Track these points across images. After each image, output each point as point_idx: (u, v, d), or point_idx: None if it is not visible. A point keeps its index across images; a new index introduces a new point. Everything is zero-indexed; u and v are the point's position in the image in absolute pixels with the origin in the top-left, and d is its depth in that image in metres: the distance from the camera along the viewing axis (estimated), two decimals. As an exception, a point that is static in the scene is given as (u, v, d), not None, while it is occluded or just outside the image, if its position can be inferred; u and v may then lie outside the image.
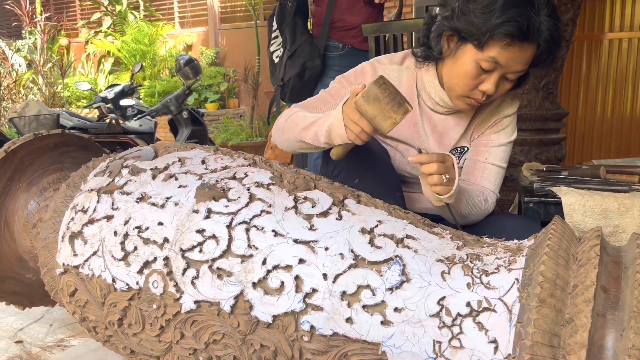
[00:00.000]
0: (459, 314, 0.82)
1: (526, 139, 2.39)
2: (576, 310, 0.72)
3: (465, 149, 1.29)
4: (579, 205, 1.25)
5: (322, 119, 1.13)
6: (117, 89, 5.03)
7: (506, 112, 1.27)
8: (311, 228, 0.93)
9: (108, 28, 7.73)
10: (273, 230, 0.93)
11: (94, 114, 5.83)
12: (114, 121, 4.48)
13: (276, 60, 2.30)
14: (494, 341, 0.78)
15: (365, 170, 1.20)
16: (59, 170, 1.37)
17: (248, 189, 1.00)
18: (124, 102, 4.95)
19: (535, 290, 0.75)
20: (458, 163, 1.28)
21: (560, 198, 1.31)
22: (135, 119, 4.67)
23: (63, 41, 8.13)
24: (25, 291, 1.38)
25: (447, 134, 1.27)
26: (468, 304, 0.82)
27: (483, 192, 1.26)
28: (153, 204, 1.01)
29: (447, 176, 1.07)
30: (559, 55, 2.10)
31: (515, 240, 0.92)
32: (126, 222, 1.00)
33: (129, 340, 1.03)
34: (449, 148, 1.28)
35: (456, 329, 0.81)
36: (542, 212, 1.36)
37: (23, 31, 7.91)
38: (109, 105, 4.96)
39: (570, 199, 1.28)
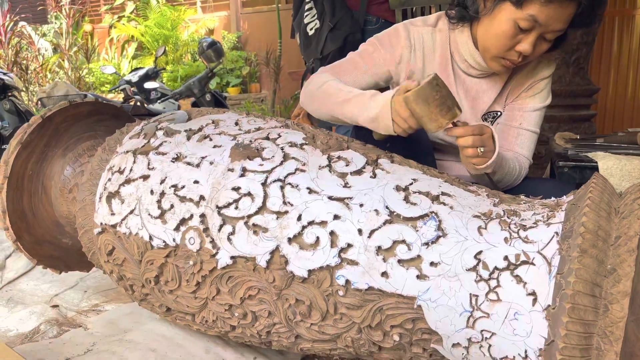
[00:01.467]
0: (496, 268, 0.81)
1: (555, 115, 2.35)
2: (619, 260, 0.71)
3: (499, 113, 1.27)
4: (616, 169, 1.23)
5: (358, 100, 1.12)
6: (141, 72, 5.09)
7: (542, 74, 1.25)
8: (345, 185, 0.94)
9: (131, 13, 7.79)
10: (308, 188, 0.94)
11: (119, 98, 5.90)
12: (138, 103, 4.54)
13: (311, 32, 2.25)
14: (533, 293, 0.77)
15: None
16: (93, 137, 1.40)
17: (282, 149, 1.00)
18: (148, 85, 5.00)
19: (576, 241, 0.74)
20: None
21: (596, 163, 1.28)
22: (159, 101, 4.72)
23: (87, 27, 8.23)
24: (61, 255, 1.41)
25: (480, 97, 1.25)
26: (506, 258, 0.81)
27: (517, 158, 1.24)
28: (188, 164, 1.02)
29: (483, 149, 1.06)
30: (598, 15, 2.05)
31: (553, 198, 0.91)
32: (162, 181, 1.02)
33: (165, 297, 1.05)
34: (482, 112, 1.26)
35: (493, 283, 0.81)
36: (577, 176, 1.34)
37: (49, 15, 8.02)
38: (133, 89, 5.02)
39: (608, 162, 1.26)
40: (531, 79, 1.26)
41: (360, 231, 0.89)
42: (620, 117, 3.35)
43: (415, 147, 1.21)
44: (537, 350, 0.76)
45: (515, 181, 1.23)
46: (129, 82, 5.00)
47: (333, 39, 2.14)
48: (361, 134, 1.21)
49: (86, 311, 1.49)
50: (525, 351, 0.78)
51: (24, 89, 5.93)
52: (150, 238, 1.01)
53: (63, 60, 7.05)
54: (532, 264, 0.79)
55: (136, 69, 5.65)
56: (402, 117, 1.03)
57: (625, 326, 0.68)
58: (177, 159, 1.04)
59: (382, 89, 1.20)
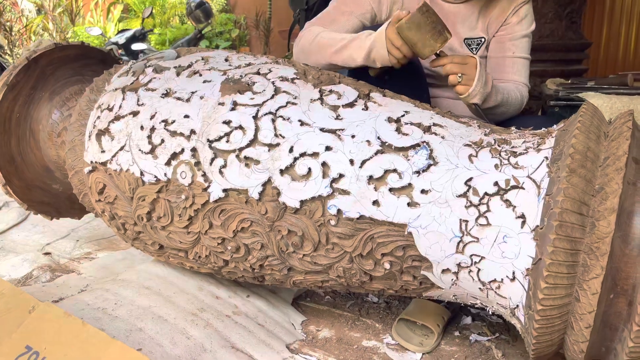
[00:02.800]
0: (486, 193, 0.82)
1: (547, 70, 2.35)
2: (607, 179, 0.72)
3: (483, 39, 1.28)
4: (606, 107, 1.24)
5: (354, 43, 1.16)
6: (129, 34, 4.98)
7: None
8: (337, 118, 0.93)
9: (116, -26, 7.57)
10: (299, 120, 0.93)
11: (106, 61, 5.77)
12: (126, 64, 4.44)
13: None
14: (522, 216, 0.79)
15: (394, 70, 1.19)
16: (81, 82, 1.37)
17: (273, 83, 0.99)
18: (135, 46, 4.90)
19: (565, 162, 0.75)
20: (475, 54, 1.27)
21: (585, 101, 1.29)
22: (147, 63, 4.61)
23: (71, -11, 7.99)
24: (52, 201, 1.41)
25: (458, 24, 1.27)
26: (496, 184, 0.82)
27: (517, 86, 1.27)
28: (178, 99, 1.01)
29: (462, 75, 1.10)
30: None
31: (544, 128, 0.91)
32: (152, 117, 1.01)
33: (157, 234, 1.06)
34: (463, 38, 1.27)
35: (483, 208, 0.82)
36: (568, 115, 1.34)
37: (31, -24, 7.77)
38: (120, 51, 4.91)
39: (598, 101, 1.26)
40: (512, 4, 1.27)
41: (352, 161, 0.89)
42: (612, 72, 3.35)
43: (410, 84, 1.21)
44: (525, 270, 0.78)
45: (518, 111, 1.26)
46: (115, 44, 4.89)
47: None
48: (356, 75, 1.21)
49: (78, 258, 1.50)
50: (513, 272, 0.80)
51: (8, 51, 5.79)
52: (142, 174, 1.00)
53: (47, 22, 6.87)
54: (522, 188, 0.80)
55: (123, 30, 5.52)
56: (396, 45, 1.07)
57: (611, 242, 0.69)
58: (167, 94, 1.03)
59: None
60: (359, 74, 1.20)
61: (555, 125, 0.89)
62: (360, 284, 0.97)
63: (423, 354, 1.04)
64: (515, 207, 0.80)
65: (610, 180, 0.71)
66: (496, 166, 0.84)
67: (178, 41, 4.99)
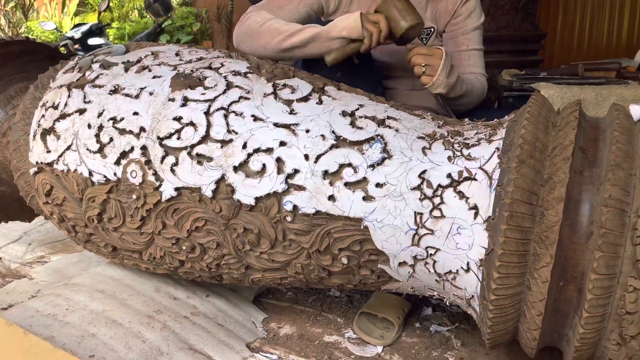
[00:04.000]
0: (440, 185, 0.82)
1: (504, 60, 2.38)
2: (554, 169, 0.73)
3: (432, 29, 1.29)
4: (557, 97, 1.26)
5: (317, 29, 1.16)
6: (84, 28, 4.82)
7: None
8: (291, 112, 0.92)
9: (70, -34, 7.31)
10: (252, 115, 0.91)
11: (62, 56, 5.58)
12: (82, 60, 4.29)
13: None
14: (474, 207, 0.79)
15: (347, 64, 1.18)
16: (26, 79, 1.31)
17: (225, 77, 0.97)
18: (92, 41, 4.75)
19: (515, 153, 0.75)
20: (426, 43, 1.28)
21: (539, 92, 1.31)
22: (105, 58, 4.47)
23: (23, -18, 7.67)
24: (0, 205, 1.35)
25: None
26: (449, 175, 0.82)
27: (477, 78, 1.29)
28: (127, 95, 0.97)
29: (425, 65, 1.12)
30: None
31: (496, 119, 0.92)
32: (100, 114, 0.97)
33: (110, 236, 1.02)
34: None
35: (437, 200, 0.82)
36: (521, 106, 1.36)
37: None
38: (76, 46, 4.76)
39: (549, 91, 1.29)
40: None
41: (306, 156, 0.88)
42: (567, 62, 3.43)
43: (365, 78, 1.20)
44: (478, 261, 0.78)
45: (480, 100, 1.29)
46: (71, 39, 4.73)
47: None
48: (310, 69, 1.20)
49: (31, 263, 1.44)
50: (467, 263, 0.80)
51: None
52: (90, 174, 0.97)
53: (-2, 17, 6.59)
54: (474, 179, 0.81)
55: (79, 24, 5.35)
56: (372, 20, 1.11)
57: (559, 230, 0.70)
58: (114, 91, 0.99)
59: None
60: (313, 66, 1.19)
61: (506, 116, 0.89)
62: (319, 279, 0.96)
63: (384, 346, 1.04)
64: (468, 198, 0.80)
65: (557, 170, 0.72)
66: (449, 158, 0.84)
67: (137, 35, 4.86)
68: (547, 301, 0.72)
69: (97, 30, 4.87)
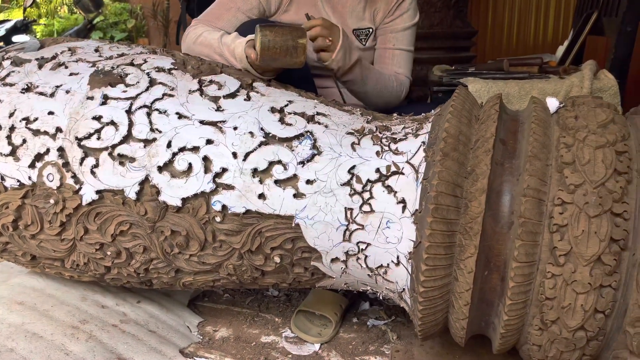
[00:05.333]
0: (369, 180, 0.82)
1: (438, 57, 2.44)
2: (477, 161, 0.75)
3: (371, 30, 1.29)
4: (484, 91, 1.30)
5: (225, 50, 1.09)
6: (8, 25, 4.56)
7: None
8: (218, 109, 0.89)
9: (-9, -41, 6.87)
10: (177, 113, 0.88)
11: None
12: (5, 58, 4.05)
13: None
14: (402, 201, 0.80)
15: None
16: None
17: (148, 74, 0.93)
18: (16, 38, 4.49)
19: (439, 146, 0.76)
20: (365, 45, 1.28)
21: (466, 86, 1.35)
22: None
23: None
24: None
25: (346, 12, 1.27)
26: (377, 170, 0.83)
27: (397, 77, 1.28)
28: (41, 94, 0.91)
29: (330, 40, 1.08)
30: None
31: (423, 114, 0.93)
32: (11, 115, 0.91)
33: (27, 244, 0.96)
34: (352, 28, 1.27)
35: (366, 195, 0.82)
36: (450, 100, 1.41)
37: None
38: (0, 43, 4.48)
39: (476, 85, 1.33)
40: None
41: (235, 154, 0.85)
42: (496, 59, 3.58)
43: (295, 75, 1.18)
44: (407, 254, 0.79)
45: (395, 99, 1.26)
46: (-7, 36, 4.45)
47: None
48: None
49: (-55, 276, 1.33)
50: (397, 257, 0.81)
51: None
52: (2, 178, 0.90)
53: None
54: (402, 173, 0.81)
55: (3, 21, 5.05)
56: (264, 68, 1.00)
57: (482, 221, 0.72)
58: (27, 89, 0.93)
59: None
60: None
61: (433, 111, 0.91)
62: (252, 280, 0.94)
63: (321, 344, 1.04)
64: (396, 192, 0.81)
65: (480, 162, 0.74)
66: (378, 153, 0.84)
67: (66, 32, 4.63)
68: (473, 291, 0.74)
69: (23, 27, 4.61)
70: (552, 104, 0.81)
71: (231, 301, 1.21)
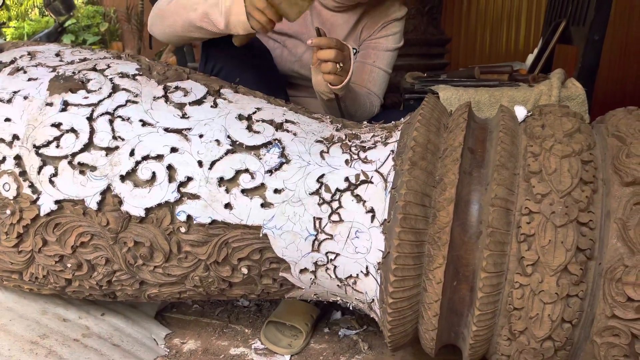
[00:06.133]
0: (337, 189, 0.81)
1: (412, 64, 2.45)
2: (445, 170, 0.74)
3: (354, 50, 1.28)
4: (455, 99, 1.31)
5: (215, 1, 1.02)
6: (-25, 26, 4.43)
7: (394, 15, 1.28)
8: (183, 116, 0.87)
9: (-42, -41, 6.68)
10: (141, 120, 0.85)
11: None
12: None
13: None
14: (371, 210, 0.79)
15: (248, 68, 1.14)
16: None
17: (111, 80, 0.90)
18: (-17, 40, 4.37)
19: (407, 155, 0.76)
20: None
21: (437, 94, 1.36)
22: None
23: None
24: None
25: (334, 31, 1.25)
26: (346, 179, 0.81)
27: (369, 95, 1.27)
28: (-2, 100, 0.88)
29: (342, 65, 1.04)
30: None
31: (393, 122, 0.93)
32: (-35, 121, 0.87)
33: (-17, 256, 0.91)
34: None
35: (335, 204, 0.81)
36: (421, 108, 1.40)
37: None
38: (-34, 46, 4.34)
39: (447, 93, 1.33)
40: (384, 18, 1.28)
41: (200, 163, 0.83)
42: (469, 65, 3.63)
43: (268, 84, 1.17)
44: (376, 264, 0.78)
45: (365, 118, 1.25)
46: (-42, 38, 4.33)
47: None
48: (213, 48, 1.13)
49: None
50: (367, 267, 0.80)
51: None
52: (-45, 188, 0.86)
53: None
54: (371, 182, 0.80)
55: (-32, 23, 4.90)
56: (259, 7, 0.96)
57: (451, 231, 0.71)
58: (-17, 95, 0.89)
59: None
60: (216, 69, 1.15)
61: (402, 119, 0.90)
62: (220, 291, 0.91)
63: (292, 355, 1.02)
64: (365, 201, 0.79)
65: (448, 171, 0.73)
66: (347, 161, 0.83)
67: (36, 35, 4.52)
68: (442, 301, 0.73)
69: (-10, 29, 4.49)
70: (520, 112, 0.81)
71: (200, 312, 1.18)
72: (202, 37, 1.10)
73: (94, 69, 0.92)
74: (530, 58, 1.74)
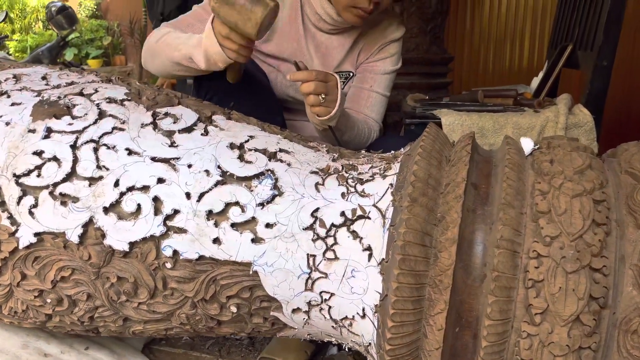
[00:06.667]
0: (333, 225, 0.76)
1: (414, 82, 2.42)
2: (447, 207, 0.70)
3: (351, 74, 1.24)
4: (458, 125, 1.26)
5: (196, 40, 1.02)
6: (-22, 40, 4.44)
7: (392, 36, 1.24)
8: (172, 145, 0.83)
9: (-36, -28, 6.73)
10: (127, 149, 0.81)
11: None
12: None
13: None
14: (368, 248, 0.74)
15: (241, 92, 1.10)
16: None
17: (97, 105, 0.86)
18: (-15, 54, 4.38)
19: (407, 191, 0.71)
20: (342, 88, 1.23)
21: (440, 119, 1.31)
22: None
23: None
24: None
25: (330, 54, 1.21)
26: (342, 214, 0.77)
27: (367, 121, 1.22)
28: (-22, 125, 0.84)
29: (324, 96, 1.01)
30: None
31: (392, 151, 0.88)
32: (-57, 148, 0.83)
33: (-41, 289, 0.87)
34: (332, 69, 1.22)
35: (330, 240, 0.76)
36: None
37: None
38: (-32, 59, 4.36)
39: (450, 118, 1.29)
40: (381, 40, 1.24)
41: (188, 195, 0.79)
42: (474, 85, 3.59)
43: (263, 107, 1.13)
44: (373, 307, 0.73)
45: (366, 144, 1.21)
46: (-39, 51, 4.33)
47: None
48: (204, 86, 1.11)
49: None
50: (363, 309, 0.75)
51: None
52: None
53: None
54: (368, 217, 0.76)
55: (-29, 36, 4.92)
56: (224, 35, 0.95)
57: (453, 274, 0.66)
58: (-37, 120, 0.85)
59: None
60: (210, 93, 1.11)
61: (402, 149, 0.86)
62: (208, 329, 0.86)
63: (284, 395, 0.96)
64: (362, 238, 0.75)
65: (450, 209, 0.69)
66: (343, 195, 0.79)
67: (38, 49, 4.52)
68: (444, 349, 0.68)
69: (-7, 42, 4.49)
70: (527, 145, 0.77)
71: (190, 345, 1.13)
72: (192, 74, 1.09)
73: (80, 94, 0.88)
74: (535, 81, 1.70)
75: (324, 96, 1.01)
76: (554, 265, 0.63)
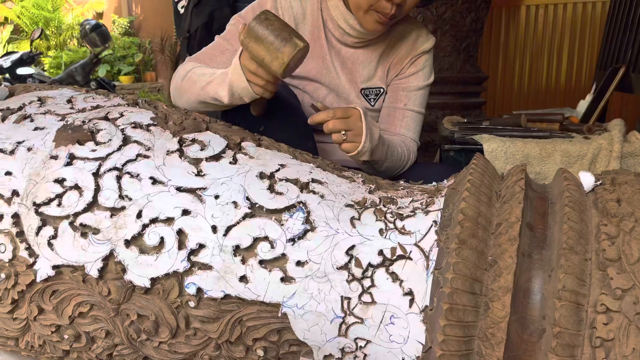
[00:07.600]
0: (370, 265, 0.70)
1: (447, 102, 2.35)
2: (500, 250, 0.62)
3: (382, 90, 1.18)
4: (501, 152, 1.19)
5: (220, 77, 1.01)
6: (15, 57, 4.56)
7: (422, 48, 1.18)
8: (199, 174, 0.78)
9: (5, -8, 6.99)
10: (151, 177, 0.77)
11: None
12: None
13: (181, 10, 2.09)
14: (410, 293, 0.67)
15: (272, 116, 1.06)
16: None
17: (122, 131, 0.82)
18: (22, 70, 4.49)
19: (455, 231, 0.64)
20: (373, 105, 1.17)
21: (481, 145, 1.24)
22: (34, 89, 4.21)
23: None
24: None
25: (356, 69, 1.16)
26: (380, 253, 0.70)
27: (404, 141, 1.16)
28: (0, 151, 0.81)
29: (345, 132, 0.98)
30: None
31: (434, 183, 0.81)
32: (-36, 174, 0.80)
33: (-24, 320, 0.83)
34: (360, 85, 1.17)
35: (367, 282, 0.69)
36: (463, 160, 1.28)
37: None
38: (6, 75, 4.48)
39: (492, 145, 1.21)
40: (412, 52, 1.18)
41: (214, 228, 0.73)
42: (508, 105, 3.49)
43: (294, 131, 1.08)
44: (415, 358, 0.66)
45: (405, 166, 1.15)
46: None
47: (198, 14, 2.01)
48: (231, 117, 1.07)
49: None
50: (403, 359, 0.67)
51: None
52: (-52, 247, 0.78)
53: None
54: (409, 258, 0.69)
55: (9, 52, 5.07)
56: (251, 71, 0.93)
57: (507, 327, 0.59)
58: (-15, 145, 0.82)
59: None
60: (234, 116, 1.07)
61: (445, 181, 0.79)
62: (232, 371, 0.80)
63: None
64: (402, 281, 0.68)
65: (503, 253, 0.62)
66: (381, 231, 0.72)
67: (72, 65, 4.61)
68: (495, 411, 0.60)
69: (29, 59, 4.62)
70: (587, 180, 0.69)
71: (213, 380, 1.06)
72: (218, 109, 1.07)
73: (105, 118, 0.85)
74: (583, 104, 1.60)
75: (344, 132, 0.98)
76: (626, 322, 0.55)
